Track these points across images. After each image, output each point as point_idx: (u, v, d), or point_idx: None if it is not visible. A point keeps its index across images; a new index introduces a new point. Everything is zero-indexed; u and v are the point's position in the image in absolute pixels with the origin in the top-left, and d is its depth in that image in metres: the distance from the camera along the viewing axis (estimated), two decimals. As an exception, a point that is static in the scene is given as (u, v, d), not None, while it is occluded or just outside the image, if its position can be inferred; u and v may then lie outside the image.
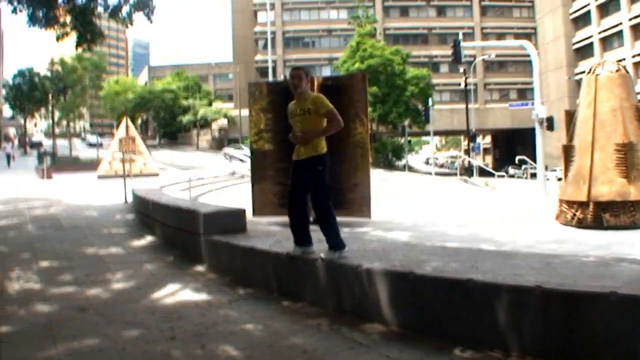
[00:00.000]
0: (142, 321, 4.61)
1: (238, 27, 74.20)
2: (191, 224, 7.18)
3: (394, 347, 3.85)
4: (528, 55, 24.18)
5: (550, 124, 24.38)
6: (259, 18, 72.07)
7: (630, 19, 49.27)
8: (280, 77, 55.01)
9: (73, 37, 13.68)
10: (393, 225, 11.77)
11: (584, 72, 15.22)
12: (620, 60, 14.38)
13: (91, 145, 72.57)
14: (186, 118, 70.95)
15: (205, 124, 70.81)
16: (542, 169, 23.20)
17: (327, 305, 4.83)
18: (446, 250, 5.36)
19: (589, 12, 55.19)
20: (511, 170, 44.96)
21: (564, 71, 56.68)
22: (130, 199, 13.12)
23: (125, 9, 13.63)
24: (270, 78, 41.66)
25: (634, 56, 48.57)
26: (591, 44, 55.00)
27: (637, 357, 3.09)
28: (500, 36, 66.67)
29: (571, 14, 58.20)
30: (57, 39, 13.84)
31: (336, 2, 71.61)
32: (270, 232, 7.07)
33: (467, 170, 41.58)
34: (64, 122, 75.33)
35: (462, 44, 26.23)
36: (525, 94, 64.84)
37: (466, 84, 44.87)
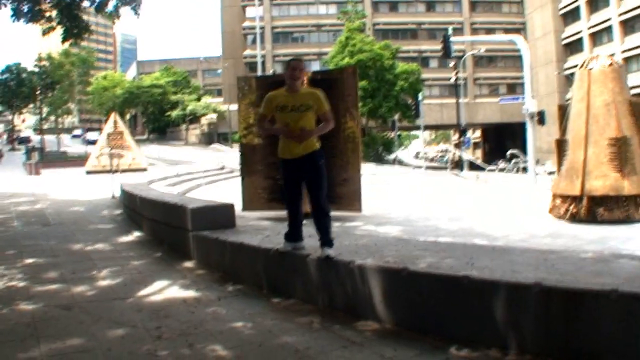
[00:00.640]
0: (128, 320, 4.49)
1: (227, 22, 74.15)
2: (179, 220, 7.06)
3: (388, 345, 3.75)
4: (518, 50, 24.30)
5: (541, 118, 24.50)
6: (248, 13, 71.83)
7: (620, 15, 49.48)
8: (270, 72, 54.69)
9: (59, 31, 13.52)
10: (384, 220, 11.70)
11: (574, 67, 15.21)
12: (610, 56, 14.32)
13: (75, 137, 72.43)
14: (175, 113, 70.67)
15: (194, 119, 70.55)
16: (533, 163, 23.28)
17: (319, 303, 4.73)
18: (440, 246, 5.26)
19: (578, 7, 55.35)
20: (501, 164, 45.12)
21: (554, 66, 56.83)
22: (117, 194, 12.98)
23: (111, 3, 13.54)
24: (259, 73, 41.38)
25: (623, 51, 48.72)
26: (581, 39, 55.19)
27: (638, 355, 3.03)
28: (490, 31, 66.70)
29: (560, 9, 58.34)
30: (43, 33, 13.73)
31: (325, -3, 71.66)
32: (260, 227, 6.96)
33: (458, 165, 41.66)
34: (52, 118, 74.71)
35: (452, 38, 26.26)
36: (514, 88, 65.20)
37: (457, 79, 44.84)
